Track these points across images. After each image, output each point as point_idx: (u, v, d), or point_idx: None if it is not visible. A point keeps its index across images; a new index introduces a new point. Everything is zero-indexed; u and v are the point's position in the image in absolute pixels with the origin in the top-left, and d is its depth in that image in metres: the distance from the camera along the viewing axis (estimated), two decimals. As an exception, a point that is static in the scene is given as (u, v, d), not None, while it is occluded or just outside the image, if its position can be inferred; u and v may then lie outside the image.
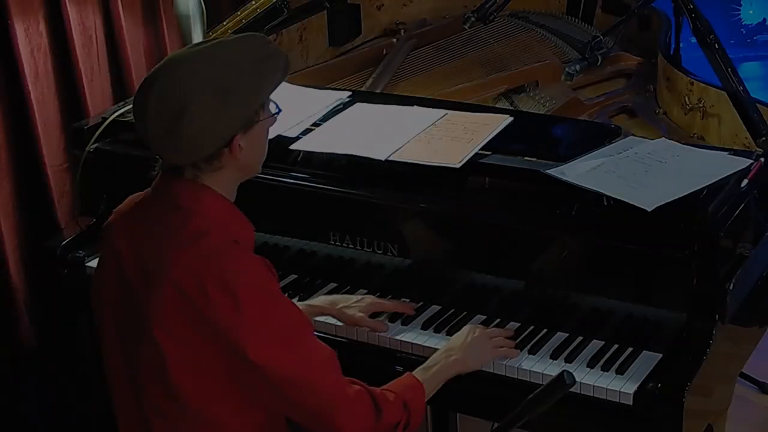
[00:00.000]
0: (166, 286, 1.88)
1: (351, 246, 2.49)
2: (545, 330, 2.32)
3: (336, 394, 1.95)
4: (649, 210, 2.14)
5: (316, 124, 2.60)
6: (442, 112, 2.59)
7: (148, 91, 1.89)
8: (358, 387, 1.99)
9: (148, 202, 2.01)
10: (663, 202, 2.15)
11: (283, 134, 2.53)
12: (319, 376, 1.93)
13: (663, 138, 2.54)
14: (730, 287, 2.14)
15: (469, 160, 2.36)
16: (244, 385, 1.93)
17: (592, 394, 2.14)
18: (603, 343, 2.26)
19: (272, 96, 1.99)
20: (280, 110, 2.03)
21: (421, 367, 2.16)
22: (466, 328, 2.25)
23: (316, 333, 2.03)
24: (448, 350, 2.19)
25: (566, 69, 2.84)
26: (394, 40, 3.43)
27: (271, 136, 2.48)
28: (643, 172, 2.29)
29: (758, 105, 2.64)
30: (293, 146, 2.52)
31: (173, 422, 1.97)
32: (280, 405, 1.97)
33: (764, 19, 5.35)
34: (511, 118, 2.54)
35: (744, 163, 2.34)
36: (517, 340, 2.28)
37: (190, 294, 1.86)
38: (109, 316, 2.02)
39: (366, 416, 1.97)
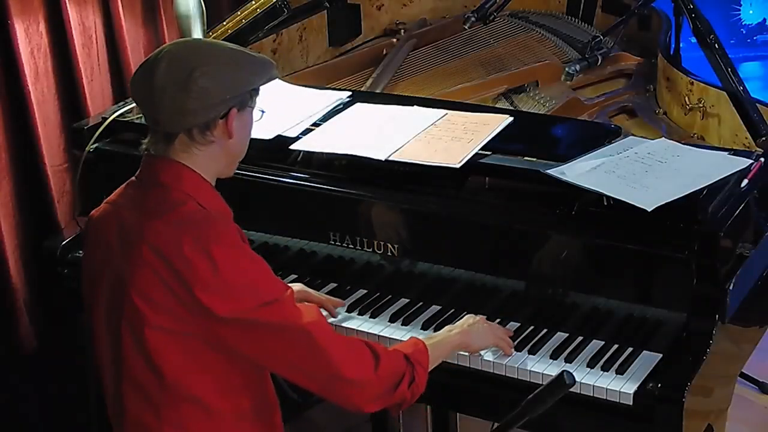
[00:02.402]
0: (145, 251, 1.92)
1: (351, 246, 2.49)
2: (545, 330, 2.32)
3: (328, 339, 1.97)
4: (649, 210, 2.14)
5: (316, 124, 2.60)
6: (442, 112, 2.59)
7: (156, 58, 1.96)
8: (353, 337, 2.05)
9: (133, 185, 2.06)
10: (663, 202, 2.15)
11: (283, 134, 2.53)
12: (310, 324, 1.96)
13: (663, 138, 2.54)
14: (730, 287, 2.14)
15: (469, 160, 2.36)
16: (233, 358, 1.94)
17: (592, 394, 2.14)
18: (603, 343, 2.26)
19: (270, 98, 2.09)
20: (263, 112, 2.11)
21: (424, 338, 2.17)
22: (467, 316, 2.27)
23: None
24: (450, 328, 2.23)
25: (566, 69, 2.84)
26: (394, 40, 3.43)
27: (271, 136, 2.50)
28: (643, 172, 2.29)
29: (758, 105, 2.64)
30: (293, 146, 2.52)
31: (148, 395, 1.97)
32: (272, 360, 1.98)
33: (764, 19, 5.35)
34: (511, 118, 2.54)
35: (744, 163, 2.34)
36: (517, 340, 2.28)
37: (168, 256, 1.90)
38: (99, 306, 2.03)
39: (364, 360, 1.99)
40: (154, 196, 1.99)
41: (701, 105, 2.85)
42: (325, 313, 2.34)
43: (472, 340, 2.21)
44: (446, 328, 2.23)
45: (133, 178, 2.07)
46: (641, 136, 2.58)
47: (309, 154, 2.52)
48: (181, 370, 1.95)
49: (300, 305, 1.99)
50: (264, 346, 1.95)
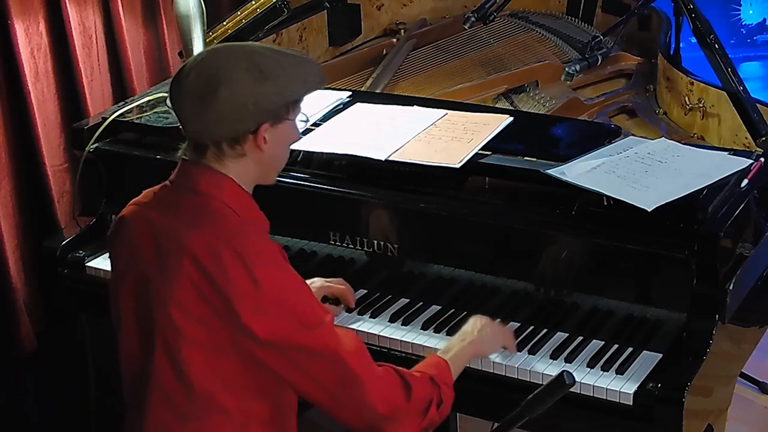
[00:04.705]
0: (185, 263, 1.88)
1: (351, 246, 2.49)
2: (545, 330, 2.32)
3: (366, 371, 1.94)
4: (649, 210, 2.14)
5: (316, 124, 2.60)
6: (442, 112, 2.59)
7: (188, 67, 1.93)
8: (385, 366, 1.99)
9: (167, 189, 2.02)
10: (663, 202, 2.15)
11: (283, 134, 2.53)
12: (349, 353, 1.92)
13: (663, 138, 2.54)
14: (730, 287, 2.14)
15: (469, 160, 2.36)
16: (261, 369, 1.91)
17: (592, 394, 2.14)
18: (603, 343, 2.26)
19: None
20: (307, 120, 2.05)
21: (439, 351, 2.15)
22: (471, 319, 2.24)
23: None
24: (461, 335, 2.19)
25: (566, 69, 2.84)
26: (394, 40, 3.43)
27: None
28: (643, 172, 2.29)
29: (758, 105, 2.64)
30: (293, 146, 2.51)
31: (175, 403, 1.94)
32: (305, 385, 1.93)
33: (764, 19, 5.35)
34: (511, 118, 2.54)
35: (744, 163, 2.34)
36: (517, 340, 2.28)
37: (208, 269, 1.87)
38: (127, 306, 2.01)
39: (397, 393, 1.96)
40: (191, 204, 1.95)
41: (701, 105, 2.85)
42: (338, 307, 2.37)
43: (484, 347, 2.19)
44: (457, 337, 2.18)
45: (167, 182, 2.02)
46: (641, 136, 2.58)
47: (309, 154, 2.52)
48: (211, 382, 1.92)
49: (339, 331, 1.95)
50: (299, 371, 1.91)
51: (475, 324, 2.22)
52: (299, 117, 2.00)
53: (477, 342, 2.17)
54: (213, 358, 1.91)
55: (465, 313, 2.38)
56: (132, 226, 2.02)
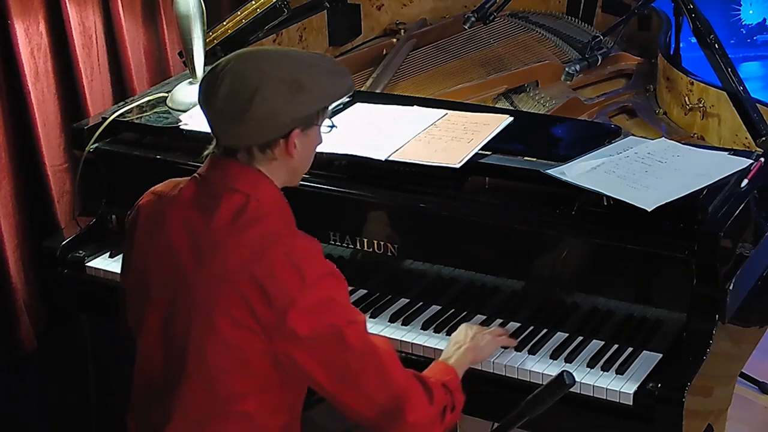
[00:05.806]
0: (231, 269, 1.87)
1: (351, 246, 2.49)
2: (545, 330, 2.32)
3: (398, 370, 1.94)
4: (649, 210, 2.14)
5: (316, 124, 2.60)
6: (442, 112, 2.59)
7: (222, 71, 1.91)
8: (409, 371, 1.99)
9: (199, 185, 1.99)
10: (663, 202, 2.15)
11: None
12: (383, 351, 1.93)
13: (663, 138, 2.54)
14: (730, 287, 2.14)
15: (469, 160, 2.36)
16: (290, 375, 1.90)
17: (592, 394, 2.14)
18: (603, 343, 2.26)
19: None
20: (334, 126, 2.05)
21: (439, 359, 2.15)
22: (462, 327, 2.24)
23: None
24: (455, 344, 2.19)
25: (566, 69, 2.84)
26: (394, 40, 3.43)
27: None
28: (643, 172, 2.29)
29: (758, 105, 2.64)
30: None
31: (199, 406, 1.93)
32: (337, 383, 1.90)
33: (764, 19, 5.35)
34: (511, 118, 2.54)
35: (744, 163, 2.34)
36: (517, 340, 2.28)
37: (258, 276, 1.85)
38: (152, 307, 1.98)
39: (424, 400, 1.96)
40: (230, 202, 1.93)
41: (701, 105, 2.85)
42: None
43: (481, 352, 2.19)
44: (452, 346, 2.18)
45: (196, 176, 2.00)
46: (641, 136, 2.58)
47: (309, 154, 2.51)
48: (240, 388, 1.90)
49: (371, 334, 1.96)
50: (334, 368, 1.89)
51: (466, 332, 2.21)
52: (325, 123, 2.01)
53: (472, 348, 2.17)
54: (248, 364, 1.89)
55: (465, 313, 2.38)
56: (161, 221, 1.99)
